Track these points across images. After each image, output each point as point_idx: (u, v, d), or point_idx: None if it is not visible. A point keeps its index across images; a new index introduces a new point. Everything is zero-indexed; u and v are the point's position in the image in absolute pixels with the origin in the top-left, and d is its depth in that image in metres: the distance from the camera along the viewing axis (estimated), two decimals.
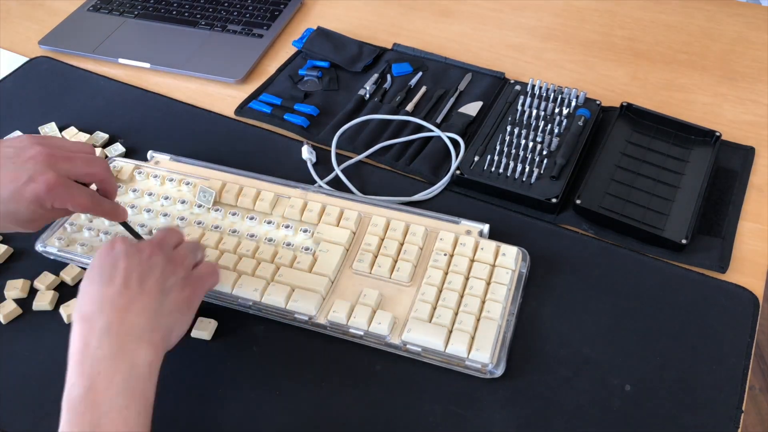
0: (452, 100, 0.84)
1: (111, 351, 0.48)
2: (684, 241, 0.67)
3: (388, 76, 0.88)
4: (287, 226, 0.68)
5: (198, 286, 0.56)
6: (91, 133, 0.81)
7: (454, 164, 0.75)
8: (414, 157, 0.78)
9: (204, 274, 0.58)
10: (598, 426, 0.56)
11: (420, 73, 0.88)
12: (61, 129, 0.82)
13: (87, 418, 0.47)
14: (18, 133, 0.81)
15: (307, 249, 0.66)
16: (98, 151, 0.79)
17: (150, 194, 0.72)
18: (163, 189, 0.73)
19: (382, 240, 0.67)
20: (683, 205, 0.70)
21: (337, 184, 0.75)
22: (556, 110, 0.80)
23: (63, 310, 0.64)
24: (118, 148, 0.80)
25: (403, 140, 0.79)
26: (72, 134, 0.81)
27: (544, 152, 0.75)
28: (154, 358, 0.50)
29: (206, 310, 0.64)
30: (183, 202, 0.71)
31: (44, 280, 0.66)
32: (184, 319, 0.55)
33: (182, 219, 0.70)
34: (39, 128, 0.82)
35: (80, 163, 0.58)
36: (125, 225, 0.63)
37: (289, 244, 0.67)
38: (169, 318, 0.53)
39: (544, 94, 0.81)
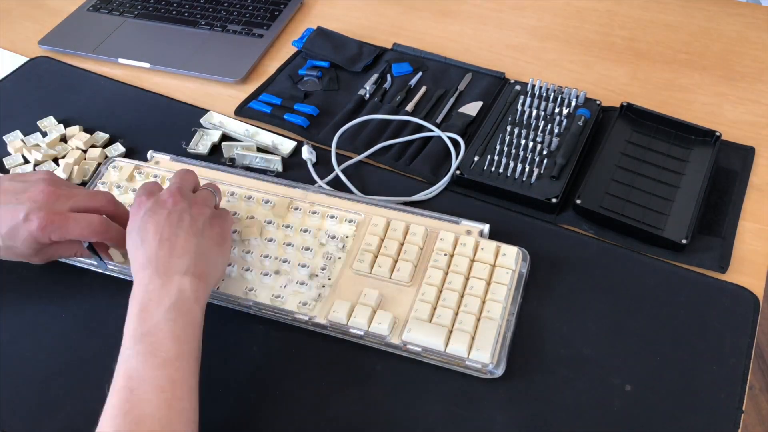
0: (452, 100, 0.84)
1: (160, 284, 0.54)
2: (684, 241, 0.67)
3: (388, 76, 0.88)
4: (287, 227, 0.68)
5: (226, 220, 0.62)
6: (91, 133, 0.81)
7: (454, 164, 0.75)
8: (414, 157, 0.78)
9: (226, 211, 0.63)
10: (599, 426, 0.56)
11: (420, 73, 0.88)
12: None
13: (138, 330, 0.52)
14: (18, 133, 0.81)
15: (307, 249, 0.66)
16: (98, 151, 0.79)
17: None
18: None
19: (382, 240, 0.67)
20: (683, 205, 0.70)
21: (337, 184, 0.75)
22: (556, 110, 0.80)
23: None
24: (118, 148, 0.80)
25: (403, 140, 0.79)
26: (74, 133, 0.81)
27: (544, 152, 0.75)
28: (198, 287, 0.55)
29: (207, 309, 0.64)
30: None
31: None
32: (223, 251, 0.60)
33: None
34: (37, 123, 0.82)
35: (82, 198, 0.61)
36: (90, 246, 0.64)
37: (289, 244, 0.67)
38: (209, 254, 0.58)
39: (544, 94, 0.81)
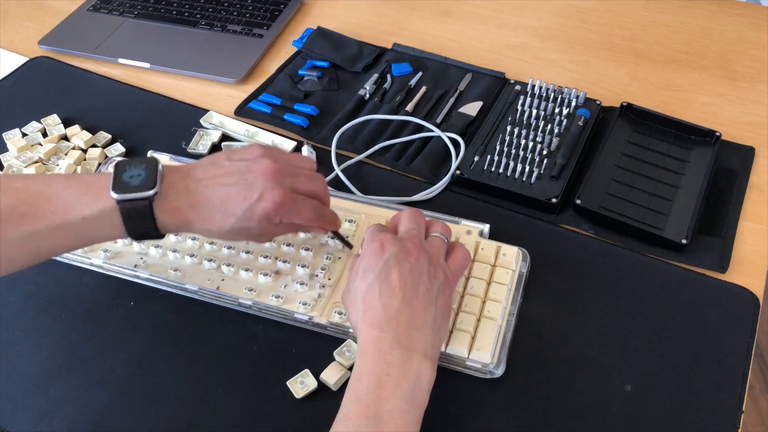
0: (452, 100, 0.84)
1: (401, 359, 0.50)
2: (684, 241, 0.67)
3: (388, 76, 0.88)
4: None
5: (454, 280, 0.57)
6: (93, 132, 0.81)
7: (454, 164, 0.75)
8: (414, 157, 0.78)
9: (458, 266, 0.58)
10: (599, 426, 0.56)
11: (420, 73, 0.88)
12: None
13: (371, 410, 0.49)
14: (18, 132, 0.81)
15: (307, 249, 0.66)
16: (98, 151, 0.79)
17: None
18: None
19: None
20: (683, 205, 0.70)
21: (337, 184, 0.75)
22: (556, 110, 0.80)
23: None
24: (118, 148, 0.80)
25: (403, 140, 0.79)
26: (75, 132, 0.81)
27: (544, 152, 0.75)
28: (432, 375, 0.52)
29: (207, 309, 0.64)
30: None
31: None
32: (447, 326, 0.56)
33: None
34: (41, 120, 0.82)
35: (304, 179, 0.58)
36: (336, 234, 0.65)
37: (289, 245, 0.67)
38: (441, 329, 0.55)
39: (544, 94, 0.81)
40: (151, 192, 0.52)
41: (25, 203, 0.52)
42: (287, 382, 0.59)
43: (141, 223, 0.53)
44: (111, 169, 0.54)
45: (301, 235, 0.68)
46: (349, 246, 0.66)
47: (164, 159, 0.76)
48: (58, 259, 0.68)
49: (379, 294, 0.53)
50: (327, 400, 0.58)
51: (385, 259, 0.54)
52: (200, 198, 0.55)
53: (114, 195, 0.52)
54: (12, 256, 0.53)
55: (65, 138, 0.82)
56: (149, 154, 0.76)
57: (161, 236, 0.55)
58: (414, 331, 0.52)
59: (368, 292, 0.53)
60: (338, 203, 0.70)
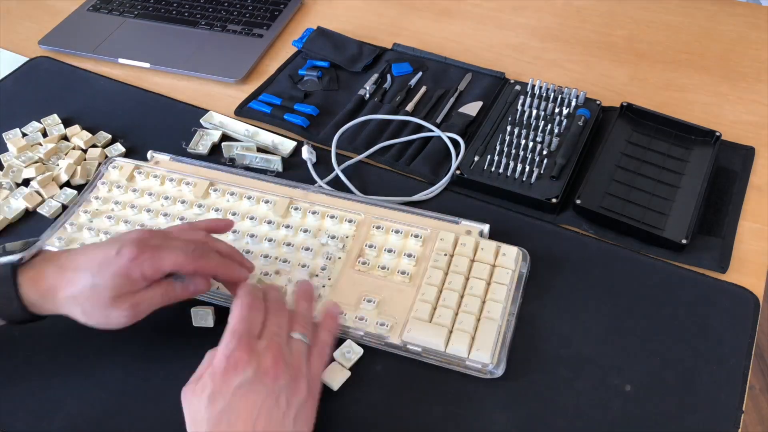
0: (452, 100, 0.84)
1: None
2: (684, 241, 0.67)
3: (388, 76, 0.88)
4: (287, 227, 0.68)
5: (314, 390, 0.53)
6: (93, 132, 0.81)
7: (454, 164, 0.75)
8: (414, 157, 0.78)
9: (316, 369, 0.54)
10: (599, 426, 0.56)
11: (420, 73, 0.88)
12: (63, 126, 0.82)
13: None
14: (18, 132, 0.81)
15: (307, 249, 0.66)
16: (98, 151, 0.79)
17: (150, 194, 0.72)
18: (163, 189, 0.73)
19: (382, 240, 0.67)
20: (683, 205, 0.70)
21: (337, 184, 0.75)
22: (556, 110, 0.80)
23: None
24: (118, 148, 0.80)
25: (403, 140, 0.79)
26: (75, 132, 0.81)
27: (544, 152, 0.75)
28: None
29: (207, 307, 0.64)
30: (183, 202, 0.71)
31: None
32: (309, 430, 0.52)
33: (182, 219, 0.70)
34: (42, 120, 0.82)
35: (179, 233, 0.57)
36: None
37: (289, 245, 0.67)
38: None
39: (544, 94, 0.81)
40: (15, 258, 0.53)
41: None
42: None
43: (2, 291, 0.52)
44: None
45: (302, 235, 0.68)
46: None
47: (164, 159, 0.76)
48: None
49: (226, 429, 0.48)
50: (328, 400, 0.58)
51: (238, 385, 0.49)
52: (69, 263, 0.54)
53: None
54: None
55: (65, 138, 0.82)
56: (149, 154, 0.76)
57: (27, 314, 0.54)
58: None
59: (214, 424, 0.49)
60: (338, 203, 0.70)
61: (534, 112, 0.79)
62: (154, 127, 0.83)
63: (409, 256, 0.65)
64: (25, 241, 0.56)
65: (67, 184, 0.77)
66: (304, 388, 0.52)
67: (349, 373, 0.59)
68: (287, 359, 0.52)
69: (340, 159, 0.78)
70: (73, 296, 0.53)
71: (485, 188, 0.73)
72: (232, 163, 0.78)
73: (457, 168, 0.74)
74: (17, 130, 0.82)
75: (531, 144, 0.76)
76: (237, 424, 0.48)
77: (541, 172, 0.73)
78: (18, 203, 0.74)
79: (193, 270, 0.56)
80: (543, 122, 0.78)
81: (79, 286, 0.53)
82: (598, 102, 0.81)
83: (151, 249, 0.53)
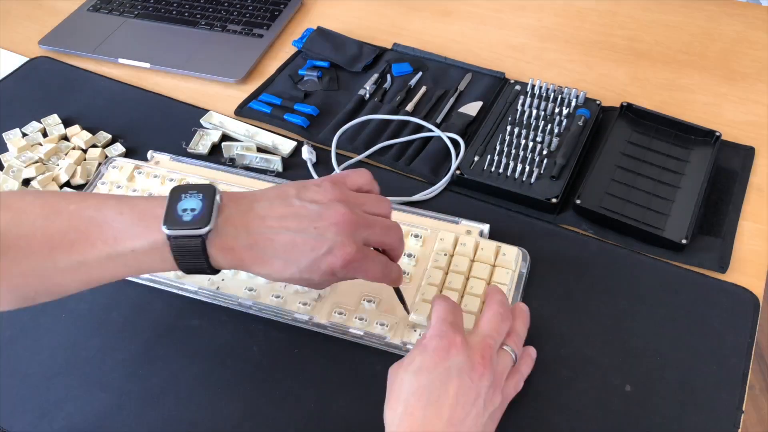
0: (452, 100, 0.84)
1: None
2: (684, 241, 0.67)
3: (388, 76, 0.88)
4: None
5: (502, 408, 0.53)
6: (93, 132, 0.81)
7: (454, 164, 0.75)
8: (414, 157, 0.78)
9: (509, 392, 0.54)
10: (599, 426, 0.56)
11: (420, 73, 0.88)
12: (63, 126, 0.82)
13: None
14: (18, 132, 0.81)
15: None
16: (98, 150, 0.79)
17: (150, 194, 0.72)
18: (163, 189, 0.73)
19: None
20: (683, 205, 0.70)
21: None
22: (556, 110, 0.80)
23: None
24: (118, 148, 0.80)
25: (403, 140, 0.79)
26: (75, 132, 0.81)
27: (544, 152, 0.75)
28: None
29: (207, 309, 0.64)
30: None
31: None
32: None
33: None
34: (42, 120, 0.82)
35: (378, 230, 0.53)
36: (397, 291, 0.59)
37: None
38: None
39: (544, 94, 0.81)
40: (204, 230, 0.48)
41: (76, 229, 0.49)
42: None
43: (193, 260, 0.49)
44: (167, 193, 0.50)
45: None
46: (407, 311, 0.61)
47: (164, 159, 0.76)
48: None
49: (425, 403, 0.48)
50: (328, 400, 0.58)
51: (446, 367, 0.49)
52: (261, 239, 0.50)
53: (165, 230, 0.48)
54: (63, 283, 0.50)
55: (65, 138, 0.82)
56: (149, 154, 0.76)
57: (215, 272, 0.51)
58: None
59: (415, 396, 0.49)
60: None
61: (534, 112, 0.79)
62: (154, 127, 0.83)
63: (409, 256, 0.65)
64: (198, 187, 0.51)
65: (67, 184, 0.77)
66: (498, 400, 0.51)
67: None
68: (494, 366, 0.52)
69: (340, 159, 0.78)
70: (276, 276, 0.51)
71: (485, 188, 0.73)
72: (232, 163, 0.78)
73: (457, 168, 0.74)
74: (17, 130, 0.82)
75: (531, 144, 0.76)
76: (438, 402, 0.48)
77: (541, 172, 0.73)
78: None
79: (382, 282, 0.55)
80: (543, 122, 0.78)
81: (285, 274, 0.50)
82: (598, 102, 0.81)
83: (360, 258, 0.51)
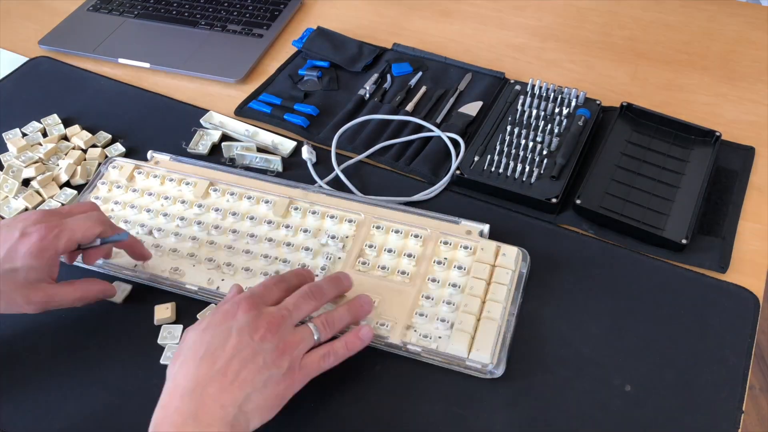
0: (452, 100, 0.84)
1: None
2: (684, 241, 0.67)
3: (388, 76, 0.88)
4: (287, 227, 0.68)
5: (297, 379, 0.54)
6: (93, 132, 0.81)
7: (454, 164, 0.75)
8: (414, 157, 0.78)
9: (312, 364, 0.55)
10: (599, 426, 0.56)
11: (420, 73, 0.88)
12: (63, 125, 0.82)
13: None
14: (18, 132, 0.81)
15: (307, 249, 0.66)
16: (98, 150, 0.79)
17: (150, 194, 0.72)
18: (163, 189, 0.73)
19: (382, 240, 0.67)
20: (683, 205, 0.70)
21: (337, 184, 0.75)
22: (556, 110, 0.80)
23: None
24: (118, 147, 0.80)
25: (403, 140, 0.79)
26: (75, 132, 0.81)
27: (544, 152, 0.75)
28: None
29: (205, 307, 0.64)
30: (183, 201, 0.71)
31: None
32: (268, 415, 0.53)
33: (182, 219, 0.70)
34: (42, 120, 0.82)
35: (73, 211, 0.60)
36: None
37: (289, 245, 0.67)
38: (252, 414, 0.51)
39: (544, 94, 0.81)
40: None
41: None
42: None
43: None
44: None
45: (301, 235, 0.68)
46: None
47: (164, 159, 0.76)
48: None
49: (202, 354, 0.51)
50: (327, 400, 0.58)
51: (228, 326, 0.53)
52: None
53: None
54: None
55: (65, 138, 0.82)
56: (149, 154, 0.76)
57: None
58: (216, 406, 0.49)
59: (192, 349, 0.52)
60: (338, 203, 0.70)
61: (534, 112, 0.79)
62: (154, 127, 0.83)
63: (409, 256, 0.65)
64: None
65: (67, 184, 0.77)
66: (285, 366, 0.53)
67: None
68: (283, 333, 0.54)
69: (340, 159, 0.78)
70: None
71: (485, 188, 0.73)
72: (232, 163, 0.78)
73: (457, 168, 0.74)
74: (17, 130, 0.82)
75: (531, 144, 0.76)
76: (213, 354, 0.51)
77: (541, 172, 0.73)
78: (18, 203, 0.74)
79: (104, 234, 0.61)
80: (543, 122, 0.78)
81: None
82: (598, 102, 0.81)
83: (56, 225, 0.58)
